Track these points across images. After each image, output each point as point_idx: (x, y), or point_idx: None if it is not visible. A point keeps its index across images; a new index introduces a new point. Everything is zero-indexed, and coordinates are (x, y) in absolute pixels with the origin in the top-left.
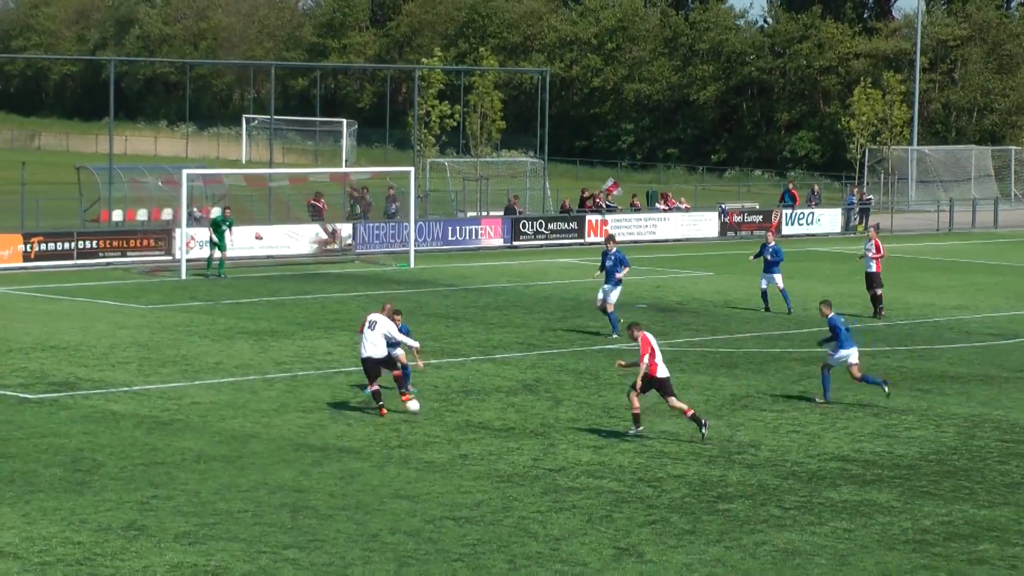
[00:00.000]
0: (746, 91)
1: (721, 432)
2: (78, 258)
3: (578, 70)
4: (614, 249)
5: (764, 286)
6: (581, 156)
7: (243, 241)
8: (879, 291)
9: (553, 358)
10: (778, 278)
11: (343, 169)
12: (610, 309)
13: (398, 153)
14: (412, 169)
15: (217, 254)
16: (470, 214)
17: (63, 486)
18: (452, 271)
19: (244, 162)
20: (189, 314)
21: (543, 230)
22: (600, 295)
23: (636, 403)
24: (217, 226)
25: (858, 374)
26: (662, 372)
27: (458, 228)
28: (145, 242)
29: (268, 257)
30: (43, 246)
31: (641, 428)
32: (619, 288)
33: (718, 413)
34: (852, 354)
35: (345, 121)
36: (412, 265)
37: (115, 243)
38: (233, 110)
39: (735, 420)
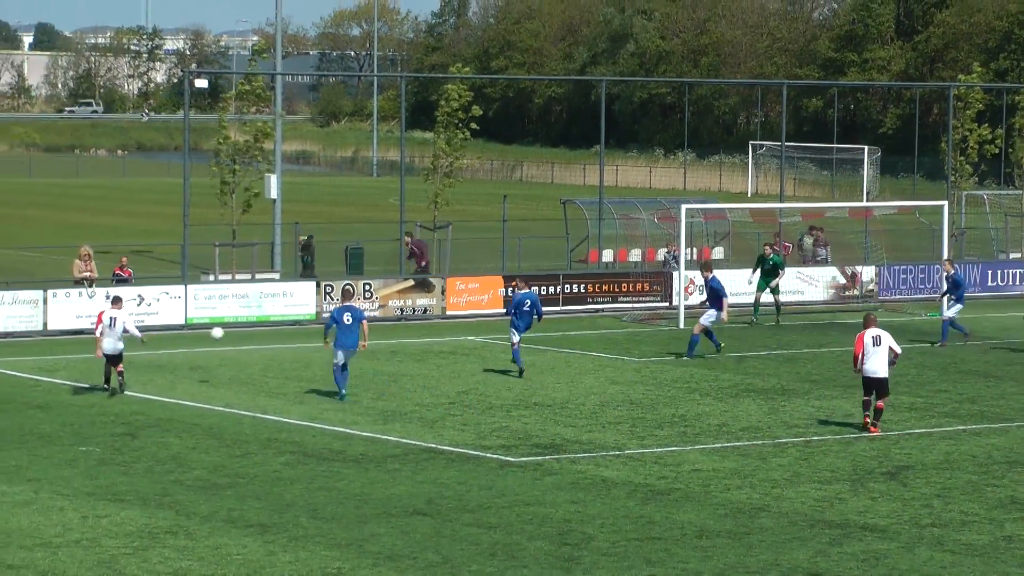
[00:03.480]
0: None
1: None
2: (564, 304)
3: None
4: (711, 277)
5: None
6: None
7: (746, 285)
8: None
9: None
10: (953, 308)
11: (864, 203)
12: (696, 330)
13: (928, 184)
14: (945, 203)
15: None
16: (1013, 256)
17: (549, 561)
18: (992, 321)
19: (750, 195)
20: (688, 368)
21: None
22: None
23: None
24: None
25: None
26: None
27: (1000, 272)
28: (638, 286)
29: (767, 304)
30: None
31: None
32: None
33: None
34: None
35: (867, 148)
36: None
37: (605, 287)
38: (738, 136)
39: None
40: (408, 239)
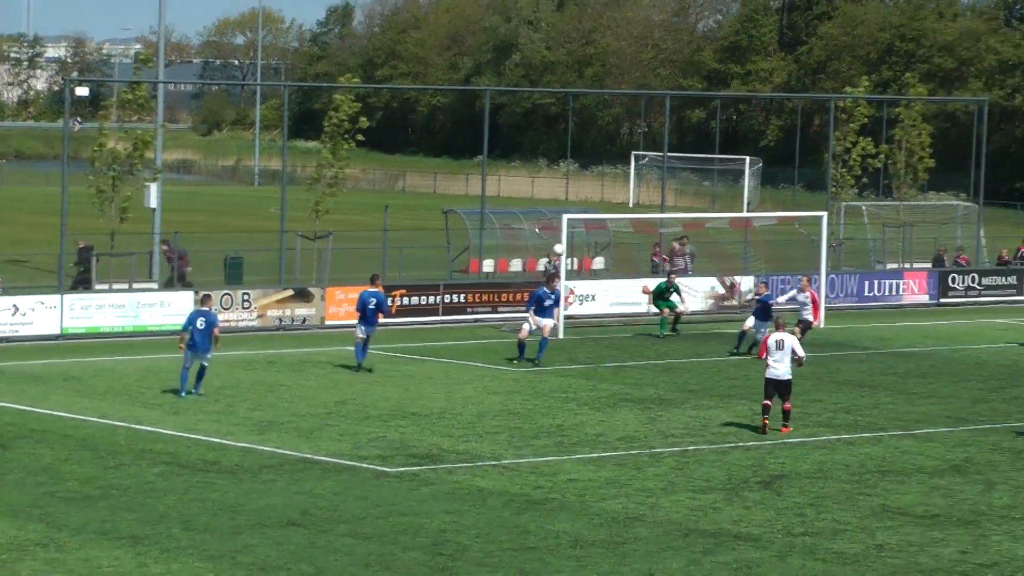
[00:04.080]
0: None
1: None
2: (444, 314)
3: (1021, 99)
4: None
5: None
6: (1022, 200)
7: (630, 295)
8: None
9: (986, 434)
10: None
11: (744, 214)
12: (546, 333)
13: (808, 195)
14: (824, 214)
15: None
16: (890, 266)
17: (423, 572)
18: (868, 332)
19: (631, 205)
20: (567, 378)
21: (976, 285)
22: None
23: None
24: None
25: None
26: None
27: (876, 282)
28: (519, 296)
29: (655, 314)
30: (406, 300)
31: None
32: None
33: None
34: None
35: (748, 159)
36: (822, 324)
37: (485, 297)
38: (621, 146)
39: None
40: (165, 247)
